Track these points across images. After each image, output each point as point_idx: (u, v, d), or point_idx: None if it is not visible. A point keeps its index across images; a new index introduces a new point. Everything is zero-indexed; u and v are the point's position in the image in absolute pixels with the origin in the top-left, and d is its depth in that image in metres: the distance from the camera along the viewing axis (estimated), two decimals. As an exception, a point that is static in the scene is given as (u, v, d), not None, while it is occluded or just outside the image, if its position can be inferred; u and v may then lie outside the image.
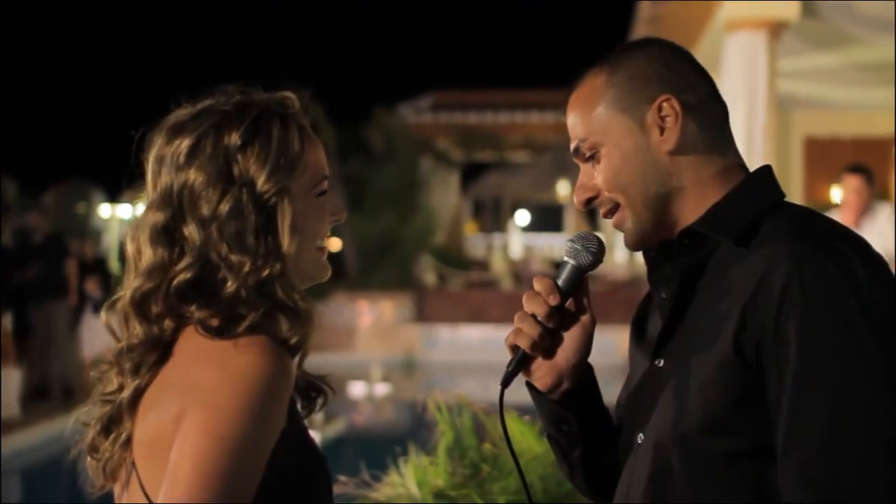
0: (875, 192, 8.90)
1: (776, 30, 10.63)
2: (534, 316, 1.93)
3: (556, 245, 32.26)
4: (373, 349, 19.82)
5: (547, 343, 1.94)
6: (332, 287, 20.75)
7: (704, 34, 11.68)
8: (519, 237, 32.30)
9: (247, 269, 1.79)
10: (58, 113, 42.35)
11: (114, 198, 24.84)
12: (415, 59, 50.91)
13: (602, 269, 2.08)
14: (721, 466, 1.75)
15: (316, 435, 1.78)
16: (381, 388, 15.62)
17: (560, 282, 1.94)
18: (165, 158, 1.85)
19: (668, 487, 1.81)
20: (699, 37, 11.91)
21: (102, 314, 1.89)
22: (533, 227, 34.20)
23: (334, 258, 21.67)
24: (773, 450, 1.71)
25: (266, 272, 1.79)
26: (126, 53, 46.08)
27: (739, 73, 10.27)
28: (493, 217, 30.01)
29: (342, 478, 3.58)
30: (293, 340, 1.78)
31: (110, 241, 23.74)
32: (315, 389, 1.97)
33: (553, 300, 1.92)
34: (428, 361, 19.40)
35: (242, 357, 1.70)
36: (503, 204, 29.86)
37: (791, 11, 10.41)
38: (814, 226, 1.80)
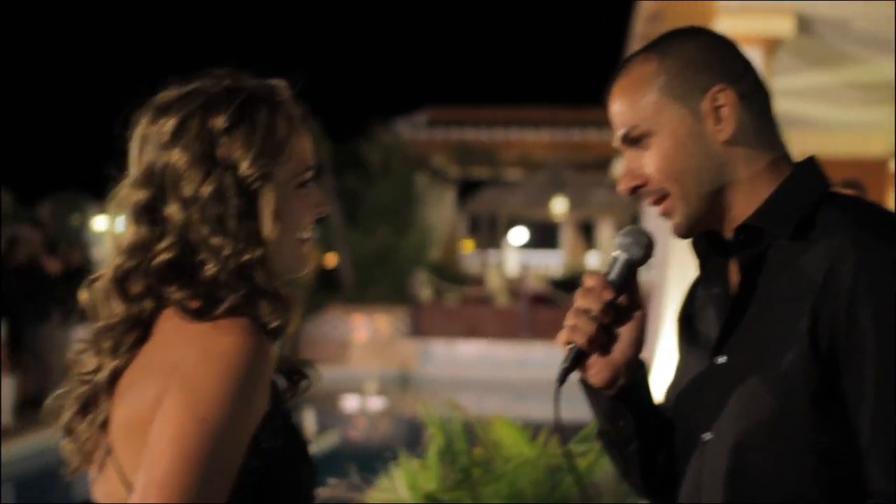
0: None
1: (772, 46, 10.63)
2: (587, 312, 1.90)
3: (551, 263, 32.19)
4: (367, 363, 19.76)
5: (602, 338, 1.91)
6: (327, 301, 20.71)
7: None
8: (514, 254, 32.24)
9: (227, 252, 1.78)
10: (54, 123, 42.33)
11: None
12: (411, 74, 50.99)
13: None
14: (801, 459, 1.75)
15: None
16: (376, 402, 15.55)
17: (612, 276, 1.92)
18: (150, 137, 1.84)
19: (750, 484, 1.80)
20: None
21: (81, 292, 1.87)
22: (528, 244, 34.13)
23: (330, 272, 21.55)
24: (851, 439, 1.72)
25: (247, 257, 1.78)
26: (126, 66, 46.08)
27: (735, 90, 10.25)
28: (488, 234, 29.94)
29: (333, 480, 3.57)
30: (274, 324, 1.77)
31: (104, 253, 23.64)
32: (298, 373, 1.94)
33: (607, 294, 1.89)
34: (423, 376, 19.29)
35: (222, 338, 1.69)
36: (498, 221, 29.78)
37: (786, 28, 10.41)
38: (870, 214, 1.82)
